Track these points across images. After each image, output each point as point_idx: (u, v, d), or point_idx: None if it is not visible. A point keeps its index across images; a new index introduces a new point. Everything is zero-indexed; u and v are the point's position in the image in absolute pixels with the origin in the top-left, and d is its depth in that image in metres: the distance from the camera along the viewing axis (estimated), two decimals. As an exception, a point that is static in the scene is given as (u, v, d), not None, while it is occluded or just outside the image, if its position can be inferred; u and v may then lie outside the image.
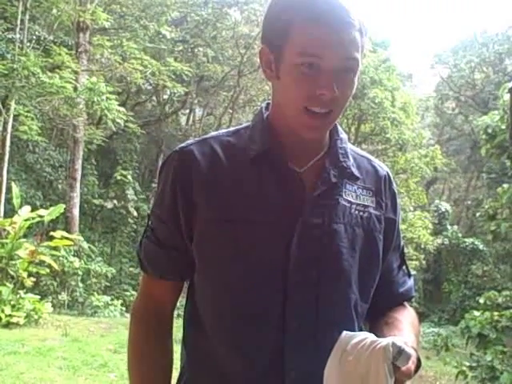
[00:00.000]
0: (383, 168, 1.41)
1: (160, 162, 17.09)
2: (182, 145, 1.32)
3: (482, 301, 8.26)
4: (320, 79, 1.15)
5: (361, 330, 1.27)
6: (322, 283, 1.23)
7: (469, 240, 20.56)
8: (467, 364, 7.15)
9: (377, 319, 1.34)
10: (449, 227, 21.25)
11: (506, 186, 10.08)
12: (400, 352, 1.05)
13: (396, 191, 1.42)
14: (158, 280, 1.33)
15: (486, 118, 9.94)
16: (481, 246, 20.00)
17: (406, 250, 1.46)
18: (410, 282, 1.44)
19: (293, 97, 1.19)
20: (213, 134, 1.36)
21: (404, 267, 1.43)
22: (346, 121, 18.36)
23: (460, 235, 21.06)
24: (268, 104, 1.35)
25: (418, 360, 1.14)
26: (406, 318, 1.35)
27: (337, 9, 1.13)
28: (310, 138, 1.24)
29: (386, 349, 1.05)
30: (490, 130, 9.38)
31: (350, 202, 1.28)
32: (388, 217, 1.35)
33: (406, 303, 1.43)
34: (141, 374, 1.35)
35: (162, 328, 1.35)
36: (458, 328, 7.66)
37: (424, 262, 18.60)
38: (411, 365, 1.07)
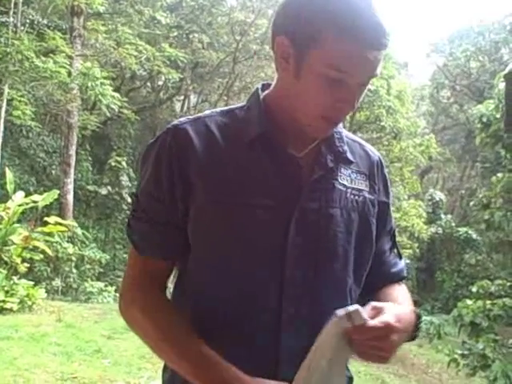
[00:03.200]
0: (375, 153, 1.42)
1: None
2: (176, 122, 1.29)
3: (474, 290, 8.33)
4: (343, 93, 1.15)
5: None
6: (320, 267, 1.24)
7: (462, 229, 20.64)
8: (459, 352, 7.22)
9: (368, 299, 1.35)
10: (443, 216, 21.32)
11: (500, 175, 10.13)
12: (349, 314, 1.05)
13: (387, 175, 1.43)
14: (157, 260, 1.29)
15: (480, 107, 9.96)
16: (474, 236, 20.09)
17: (399, 239, 1.48)
18: (402, 264, 1.45)
19: (312, 103, 1.18)
20: (206, 112, 1.33)
21: (395, 249, 1.45)
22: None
23: (454, 224, 21.13)
24: (264, 85, 1.34)
25: (418, 316, 1.24)
26: (399, 293, 1.37)
27: (378, 29, 1.11)
28: (316, 137, 1.26)
29: (336, 317, 1.06)
30: (484, 119, 9.40)
31: (345, 186, 1.29)
32: (381, 200, 1.37)
33: (401, 283, 1.45)
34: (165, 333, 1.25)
35: (161, 293, 1.31)
36: (451, 316, 7.72)
37: (417, 251, 18.64)
38: (367, 320, 1.07)
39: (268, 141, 1.24)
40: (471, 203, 14.55)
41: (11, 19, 12.03)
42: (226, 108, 1.36)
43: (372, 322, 1.07)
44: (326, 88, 1.14)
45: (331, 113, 1.17)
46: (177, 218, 1.24)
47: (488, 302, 7.41)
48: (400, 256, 1.47)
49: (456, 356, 7.14)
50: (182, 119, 1.31)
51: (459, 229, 20.79)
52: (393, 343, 1.11)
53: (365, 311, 1.08)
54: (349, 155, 1.32)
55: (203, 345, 1.17)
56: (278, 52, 1.20)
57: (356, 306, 1.07)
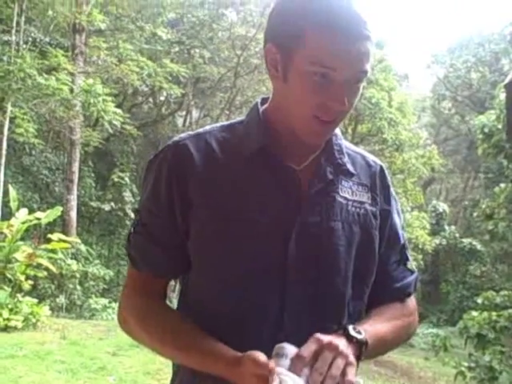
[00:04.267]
0: (376, 162, 1.40)
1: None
2: (176, 139, 1.30)
3: (480, 301, 8.27)
4: (331, 91, 1.14)
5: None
6: (320, 281, 1.23)
7: (466, 240, 20.59)
8: (466, 364, 7.17)
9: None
10: (446, 227, 21.28)
11: (502, 185, 10.12)
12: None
13: (390, 184, 1.41)
14: (150, 277, 1.31)
15: (482, 118, 9.98)
16: (478, 246, 20.03)
17: (408, 254, 1.45)
18: (410, 279, 1.40)
19: (301, 103, 1.17)
20: (207, 128, 1.33)
21: (405, 263, 1.41)
22: (342, 121, 18.34)
23: (457, 235, 21.09)
24: (263, 99, 1.34)
25: (365, 344, 1.15)
26: (389, 311, 1.33)
27: (355, 20, 1.11)
28: (312, 143, 1.24)
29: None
30: (486, 130, 9.41)
31: (346, 198, 1.28)
32: (382, 208, 1.35)
33: (407, 299, 1.40)
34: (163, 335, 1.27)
35: (157, 299, 1.33)
36: (457, 328, 7.68)
37: (422, 263, 18.59)
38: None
39: (267, 155, 1.24)
40: (475, 214, 14.50)
41: (14, 37, 12.13)
42: (226, 123, 1.36)
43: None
44: (314, 87, 1.14)
45: (322, 112, 1.16)
46: (176, 234, 1.25)
47: (494, 313, 7.36)
48: (411, 270, 1.41)
49: (463, 368, 7.08)
50: (182, 135, 1.31)
51: (463, 240, 20.74)
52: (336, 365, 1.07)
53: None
54: (349, 167, 1.31)
55: (196, 330, 1.20)
56: (267, 61, 1.22)
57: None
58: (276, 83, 1.24)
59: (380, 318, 1.28)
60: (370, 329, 1.20)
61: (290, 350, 1.09)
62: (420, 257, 18.17)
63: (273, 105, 1.29)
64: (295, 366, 1.06)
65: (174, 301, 10.12)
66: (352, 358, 1.08)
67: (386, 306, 1.34)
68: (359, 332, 1.15)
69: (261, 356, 1.08)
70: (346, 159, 1.31)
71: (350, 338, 1.13)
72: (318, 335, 1.09)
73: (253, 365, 1.07)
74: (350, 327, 1.16)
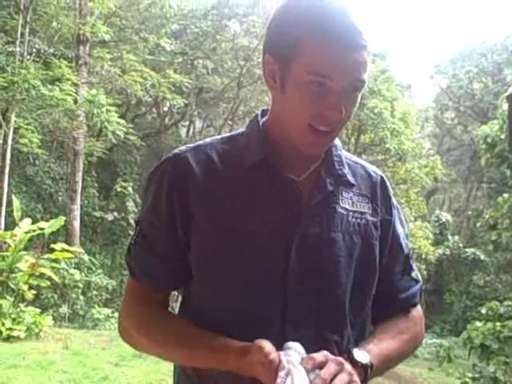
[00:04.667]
0: (377, 173, 1.40)
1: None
2: (176, 151, 1.31)
3: (483, 311, 8.25)
4: (328, 100, 1.14)
5: (358, 338, 1.27)
6: (321, 292, 1.23)
7: (470, 250, 20.53)
8: (470, 375, 7.13)
9: (374, 325, 1.34)
10: (450, 237, 21.22)
11: (506, 195, 10.11)
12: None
13: (391, 195, 1.41)
14: (149, 288, 1.32)
15: (485, 128, 10.00)
16: (482, 256, 19.96)
17: (412, 264, 1.44)
18: (415, 289, 1.40)
19: (298, 113, 1.18)
20: (207, 140, 1.34)
21: (412, 273, 1.41)
22: (345, 131, 18.37)
23: (461, 245, 21.02)
24: (263, 111, 1.35)
25: (370, 367, 1.15)
26: (395, 326, 1.33)
27: (351, 30, 1.12)
28: (310, 153, 1.25)
29: None
30: (489, 140, 9.43)
31: (346, 209, 1.28)
32: (383, 218, 1.35)
33: (412, 310, 1.40)
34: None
35: (156, 306, 1.33)
36: (461, 339, 7.65)
37: (425, 273, 18.55)
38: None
39: (267, 166, 1.24)
40: (478, 224, 14.49)
41: (18, 49, 12.20)
42: (226, 135, 1.37)
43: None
44: (312, 96, 1.14)
45: (318, 121, 1.16)
46: (176, 246, 1.26)
47: (498, 323, 7.33)
48: (416, 280, 1.42)
49: (467, 379, 7.05)
50: (182, 148, 1.32)
51: (467, 250, 20.67)
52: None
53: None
54: (350, 178, 1.31)
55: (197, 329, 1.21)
56: (265, 72, 1.22)
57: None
58: (274, 94, 1.25)
59: (385, 336, 1.28)
60: (375, 349, 1.21)
61: (300, 348, 1.10)
62: (423, 267, 18.14)
63: (272, 116, 1.30)
64: (306, 363, 1.06)
65: (176, 311, 10.11)
66: (356, 378, 1.08)
67: (391, 321, 1.34)
68: (364, 355, 1.16)
69: (268, 344, 1.08)
70: (346, 170, 1.31)
71: (354, 363, 1.13)
72: (325, 352, 1.10)
73: (260, 352, 1.08)
74: (355, 350, 1.16)
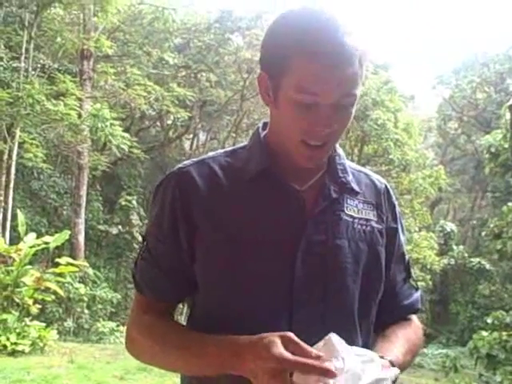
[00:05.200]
0: (381, 181, 1.42)
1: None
2: (180, 165, 1.33)
3: (489, 321, 8.22)
4: (317, 116, 1.15)
5: (365, 344, 1.27)
6: (327, 299, 1.24)
7: (475, 260, 20.42)
8: (477, 385, 7.09)
9: (379, 331, 1.35)
10: (454, 247, 21.13)
11: (510, 204, 10.08)
12: None
13: (395, 203, 1.42)
14: (155, 301, 1.33)
15: (488, 138, 10.01)
16: (487, 266, 19.86)
17: (411, 271, 1.46)
18: (416, 295, 1.43)
19: (290, 128, 1.20)
20: (210, 154, 1.37)
21: (411, 280, 1.43)
22: (348, 142, 18.40)
23: (466, 255, 20.91)
24: (265, 124, 1.36)
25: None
26: (404, 332, 1.35)
27: (337, 45, 1.13)
28: (306, 166, 1.25)
29: None
30: (493, 149, 9.43)
31: (352, 216, 1.29)
32: (389, 226, 1.36)
33: (413, 317, 1.43)
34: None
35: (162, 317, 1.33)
36: (467, 349, 7.62)
37: (430, 283, 18.46)
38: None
39: (270, 176, 1.26)
40: (483, 233, 14.45)
41: (23, 64, 12.29)
42: (229, 148, 1.39)
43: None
44: (301, 112, 1.16)
45: (309, 136, 1.18)
46: (181, 260, 1.27)
47: (504, 333, 7.30)
48: (415, 287, 1.44)
49: (474, 390, 7.01)
50: (186, 162, 1.34)
51: (472, 259, 20.57)
52: None
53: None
54: (354, 185, 1.32)
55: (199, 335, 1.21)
56: (261, 89, 1.25)
57: None
58: (271, 109, 1.27)
59: (399, 341, 1.29)
60: (399, 355, 1.22)
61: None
62: (428, 277, 18.06)
63: (270, 129, 1.32)
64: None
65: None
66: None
67: (397, 327, 1.35)
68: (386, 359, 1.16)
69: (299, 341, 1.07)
70: (350, 178, 1.32)
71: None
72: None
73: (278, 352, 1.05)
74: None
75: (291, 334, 1.08)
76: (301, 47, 1.14)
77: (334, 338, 1.08)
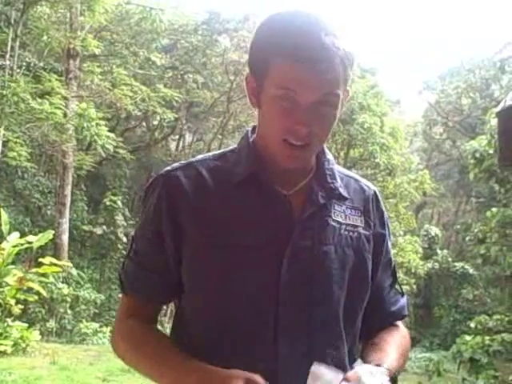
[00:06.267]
0: (370, 187, 1.42)
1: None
2: (168, 168, 1.33)
3: (473, 325, 8.28)
4: (297, 114, 1.16)
5: (350, 351, 1.28)
6: (313, 305, 1.23)
7: (459, 264, 20.55)
8: (459, 389, 7.12)
9: (368, 339, 1.34)
10: (439, 251, 21.26)
11: (494, 209, 10.17)
12: None
13: (384, 209, 1.42)
14: (139, 302, 1.33)
15: (473, 143, 10.08)
16: (471, 270, 20.00)
17: (397, 276, 1.47)
18: (403, 301, 1.43)
19: (272, 128, 1.21)
20: (199, 157, 1.36)
21: (396, 286, 1.43)
22: (335, 146, 18.44)
23: (450, 259, 21.05)
24: (254, 127, 1.36)
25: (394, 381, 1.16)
26: (394, 338, 1.35)
27: (318, 45, 1.13)
28: (289, 167, 1.25)
29: None
30: (477, 155, 9.49)
31: (339, 222, 1.29)
32: (377, 232, 1.36)
33: (398, 322, 1.43)
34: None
35: (146, 323, 1.34)
36: (450, 353, 7.65)
37: (414, 287, 18.54)
38: None
39: (256, 181, 1.26)
40: (467, 238, 14.54)
41: (8, 62, 12.18)
42: (218, 152, 1.39)
43: None
44: (281, 111, 1.17)
45: (290, 135, 1.18)
46: (166, 263, 1.27)
47: (487, 337, 7.35)
48: (401, 293, 1.44)
49: (456, 394, 7.04)
50: (174, 165, 1.34)
51: (456, 264, 20.70)
52: None
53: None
54: (342, 191, 1.32)
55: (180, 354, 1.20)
56: (248, 91, 1.26)
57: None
58: (258, 111, 1.27)
59: (391, 348, 1.30)
60: (393, 362, 1.23)
61: (329, 375, 1.09)
62: (412, 281, 18.14)
63: (258, 133, 1.32)
64: None
65: (165, 325, 10.03)
66: None
67: (386, 334, 1.36)
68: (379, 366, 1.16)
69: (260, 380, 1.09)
70: (338, 183, 1.32)
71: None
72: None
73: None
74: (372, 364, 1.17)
75: (258, 379, 1.09)
76: (281, 49, 1.15)
77: (318, 369, 1.09)
